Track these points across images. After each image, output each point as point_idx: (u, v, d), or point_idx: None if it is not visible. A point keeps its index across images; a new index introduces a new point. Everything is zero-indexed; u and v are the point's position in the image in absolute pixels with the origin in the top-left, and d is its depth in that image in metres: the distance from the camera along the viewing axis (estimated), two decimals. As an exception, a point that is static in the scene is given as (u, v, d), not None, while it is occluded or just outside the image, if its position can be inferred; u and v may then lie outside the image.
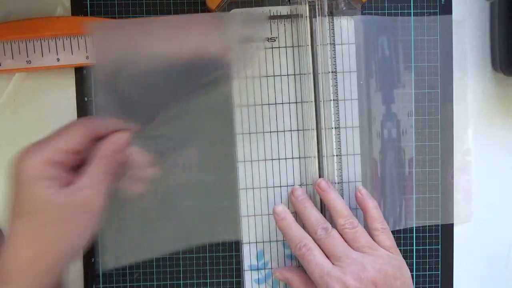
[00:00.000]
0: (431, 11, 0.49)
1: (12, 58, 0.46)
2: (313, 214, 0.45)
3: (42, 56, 0.46)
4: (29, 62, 0.46)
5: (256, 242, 0.49)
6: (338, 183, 0.48)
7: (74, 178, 0.39)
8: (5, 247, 0.38)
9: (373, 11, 0.49)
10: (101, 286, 0.48)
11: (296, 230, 0.45)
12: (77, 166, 0.40)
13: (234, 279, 0.49)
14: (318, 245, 0.44)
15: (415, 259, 0.50)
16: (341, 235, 0.44)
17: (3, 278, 0.38)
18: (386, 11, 0.49)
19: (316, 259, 0.43)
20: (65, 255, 0.39)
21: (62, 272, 0.41)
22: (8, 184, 0.38)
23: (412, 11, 0.49)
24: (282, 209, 0.46)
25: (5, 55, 0.46)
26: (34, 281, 0.38)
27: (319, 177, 0.48)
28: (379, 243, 0.44)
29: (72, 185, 0.39)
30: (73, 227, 0.39)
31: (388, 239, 0.44)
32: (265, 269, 0.49)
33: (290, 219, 0.45)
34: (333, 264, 0.42)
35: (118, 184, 0.43)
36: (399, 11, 0.49)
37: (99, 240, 0.47)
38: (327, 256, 0.43)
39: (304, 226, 0.45)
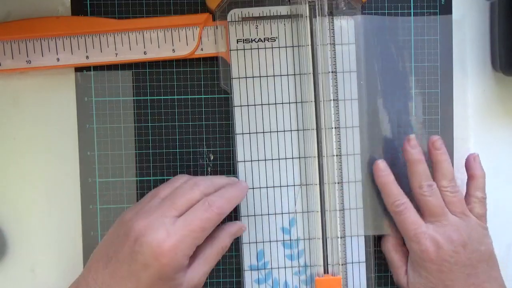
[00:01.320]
0: (431, 11, 0.49)
1: (12, 58, 0.46)
2: (421, 167, 0.46)
3: (42, 56, 0.46)
4: (29, 62, 0.46)
5: (256, 242, 0.49)
6: (338, 183, 0.48)
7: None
8: None
9: (373, 11, 0.49)
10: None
11: (396, 187, 0.47)
12: None
13: (234, 279, 0.49)
14: (419, 200, 0.46)
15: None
16: (441, 193, 0.46)
17: None
18: (386, 11, 0.49)
19: (412, 216, 0.45)
20: None
21: None
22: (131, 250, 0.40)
23: (412, 11, 0.49)
24: (385, 166, 0.47)
25: (5, 55, 0.46)
26: None
27: (319, 177, 0.48)
28: (472, 210, 0.46)
29: (190, 271, 0.42)
30: None
31: (482, 209, 0.47)
32: (265, 269, 0.49)
33: (392, 176, 0.47)
34: (429, 221, 0.45)
35: None
36: (399, 11, 0.49)
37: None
38: (423, 213, 0.46)
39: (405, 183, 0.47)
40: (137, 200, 0.48)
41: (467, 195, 0.47)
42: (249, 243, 0.49)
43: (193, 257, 0.42)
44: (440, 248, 0.44)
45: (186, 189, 0.43)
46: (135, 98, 0.48)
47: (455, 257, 0.44)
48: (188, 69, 0.49)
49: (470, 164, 0.48)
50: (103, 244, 0.42)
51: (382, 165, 0.47)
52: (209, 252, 0.44)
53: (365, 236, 0.49)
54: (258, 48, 0.48)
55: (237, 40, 0.47)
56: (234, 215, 0.48)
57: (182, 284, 0.41)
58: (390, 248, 0.48)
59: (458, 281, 0.44)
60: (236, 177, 0.48)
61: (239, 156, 0.48)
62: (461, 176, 0.49)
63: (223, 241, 0.45)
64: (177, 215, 0.41)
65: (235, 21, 0.47)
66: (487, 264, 0.45)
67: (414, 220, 0.45)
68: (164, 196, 0.43)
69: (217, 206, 0.42)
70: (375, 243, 0.50)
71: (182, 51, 0.47)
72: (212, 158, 0.49)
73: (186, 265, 0.41)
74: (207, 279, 0.49)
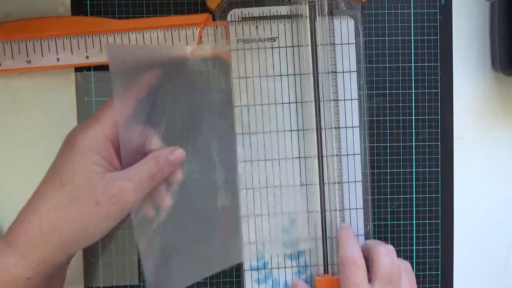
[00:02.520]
0: (431, 11, 0.49)
1: (12, 58, 0.46)
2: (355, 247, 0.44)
3: (42, 56, 0.46)
4: (29, 62, 0.46)
5: (256, 242, 0.49)
6: (338, 183, 0.48)
7: (118, 167, 0.40)
8: (26, 208, 0.38)
9: (373, 11, 0.49)
10: (101, 286, 0.48)
11: (355, 245, 0.44)
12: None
13: (234, 279, 0.49)
14: None
15: (415, 259, 0.50)
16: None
17: (11, 241, 0.38)
18: (386, 11, 0.49)
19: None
20: (80, 238, 0.39)
21: (69, 257, 0.40)
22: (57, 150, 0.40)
23: (412, 11, 0.49)
24: (359, 256, 0.43)
25: (5, 54, 0.46)
26: (43, 253, 0.38)
27: (319, 177, 0.47)
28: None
29: (116, 172, 0.39)
30: (100, 213, 0.38)
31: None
32: (265, 269, 0.49)
33: (352, 233, 0.46)
34: None
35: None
36: (399, 10, 0.49)
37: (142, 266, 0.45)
38: None
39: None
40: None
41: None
42: (249, 243, 0.49)
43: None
44: None
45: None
46: (135, 98, 0.48)
47: None
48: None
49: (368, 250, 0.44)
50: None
51: (354, 255, 0.44)
52: (140, 160, 0.41)
53: (365, 237, 0.49)
54: (258, 48, 0.48)
55: (237, 40, 0.47)
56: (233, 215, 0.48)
57: (104, 175, 0.39)
58: None
59: None
60: (237, 177, 0.48)
61: (239, 156, 0.48)
62: (462, 177, 0.49)
63: (156, 154, 0.42)
64: None
65: (235, 21, 0.47)
66: None
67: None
68: None
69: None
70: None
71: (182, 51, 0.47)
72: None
73: (102, 147, 0.39)
74: (207, 279, 0.49)
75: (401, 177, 0.50)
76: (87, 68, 0.48)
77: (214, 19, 0.48)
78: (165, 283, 0.45)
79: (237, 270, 0.49)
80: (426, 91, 0.50)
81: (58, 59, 0.46)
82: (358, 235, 0.49)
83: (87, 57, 0.47)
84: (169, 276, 0.45)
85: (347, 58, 0.48)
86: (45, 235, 0.37)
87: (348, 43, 0.48)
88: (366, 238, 0.49)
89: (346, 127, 0.48)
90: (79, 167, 0.38)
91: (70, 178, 0.38)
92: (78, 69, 0.48)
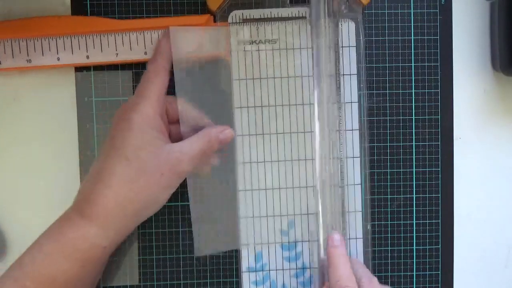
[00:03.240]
0: (431, 11, 0.49)
1: (12, 57, 0.46)
2: (347, 269, 0.43)
3: (43, 55, 0.46)
4: (29, 61, 0.46)
5: (255, 244, 0.49)
6: (340, 186, 0.48)
7: (168, 139, 0.44)
8: (97, 184, 0.41)
9: (373, 11, 0.49)
10: (101, 286, 0.48)
11: (347, 268, 0.43)
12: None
13: (234, 279, 0.49)
14: None
15: (415, 259, 0.50)
16: None
17: (89, 214, 0.41)
18: (386, 11, 0.49)
19: None
20: (149, 207, 0.43)
21: (137, 224, 0.44)
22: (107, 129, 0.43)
23: (412, 11, 0.49)
24: (340, 238, 0.45)
25: (5, 53, 0.46)
26: (119, 224, 0.42)
27: (319, 179, 0.47)
28: None
29: (173, 144, 0.43)
30: (163, 182, 0.42)
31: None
32: (263, 271, 0.49)
33: (345, 251, 0.45)
34: None
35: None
36: (399, 11, 0.49)
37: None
38: None
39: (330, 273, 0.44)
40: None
41: None
42: (247, 244, 0.48)
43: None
44: None
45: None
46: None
47: None
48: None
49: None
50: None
51: (336, 236, 0.45)
52: (193, 136, 0.45)
53: (363, 239, 0.49)
54: (258, 50, 0.48)
55: (238, 41, 0.48)
56: (233, 215, 0.48)
57: (164, 149, 0.42)
58: None
59: None
60: (236, 179, 0.48)
61: (239, 157, 0.48)
62: (462, 177, 0.49)
63: (207, 132, 0.45)
64: None
65: (236, 23, 0.47)
66: None
67: None
68: None
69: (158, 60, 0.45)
70: (374, 244, 0.50)
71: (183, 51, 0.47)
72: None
73: (159, 123, 0.43)
74: (206, 278, 0.49)
75: (401, 177, 0.50)
76: (87, 68, 0.48)
77: (215, 21, 0.48)
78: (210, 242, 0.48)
79: (237, 270, 0.49)
80: (426, 91, 0.50)
81: (58, 59, 0.46)
82: (356, 238, 0.49)
83: (87, 57, 0.47)
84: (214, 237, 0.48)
85: (348, 61, 0.48)
86: (121, 207, 0.41)
87: (349, 46, 0.48)
88: (365, 239, 0.49)
89: (345, 130, 0.48)
90: (142, 142, 0.41)
91: (136, 153, 0.41)
92: (78, 69, 0.48)
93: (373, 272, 0.49)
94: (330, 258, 0.44)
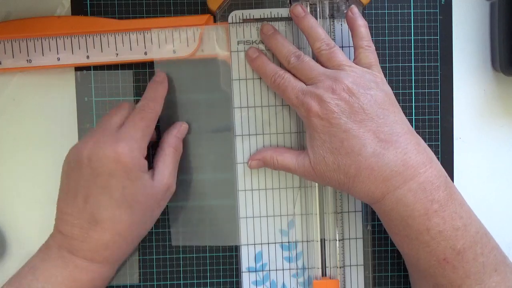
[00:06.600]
0: (431, 11, 0.50)
1: (13, 57, 0.46)
2: (285, 45, 0.45)
3: (43, 55, 0.46)
4: (29, 61, 0.46)
5: (255, 244, 0.49)
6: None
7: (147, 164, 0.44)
8: (108, 231, 0.42)
9: (373, 11, 0.49)
10: (100, 286, 0.48)
11: (270, 65, 0.46)
12: None
13: (234, 279, 0.49)
14: (293, 73, 0.45)
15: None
16: (318, 58, 0.44)
17: (99, 260, 0.43)
18: (386, 11, 0.49)
19: (291, 83, 0.44)
20: (144, 234, 0.47)
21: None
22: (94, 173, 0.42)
23: (412, 11, 0.49)
24: (254, 50, 0.47)
25: (5, 53, 0.46)
26: (122, 257, 0.45)
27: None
28: (360, 61, 0.44)
29: (155, 174, 0.45)
30: (159, 211, 0.46)
31: (368, 57, 0.44)
32: (263, 271, 0.49)
33: (263, 57, 0.46)
34: (309, 84, 0.43)
35: None
36: (399, 11, 0.49)
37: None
38: (303, 82, 0.44)
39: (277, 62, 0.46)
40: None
41: (354, 49, 0.45)
42: (247, 244, 0.48)
43: (154, 165, 0.46)
44: (323, 101, 0.41)
45: (118, 109, 0.45)
46: (135, 98, 0.48)
47: (340, 105, 0.41)
48: (188, 70, 0.49)
49: (349, 19, 0.45)
50: (62, 192, 0.44)
51: (249, 51, 0.47)
52: (163, 154, 0.46)
53: (363, 238, 0.49)
54: (258, 50, 0.48)
55: (238, 41, 0.47)
56: (232, 215, 0.48)
57: (153, 185, 0.44)
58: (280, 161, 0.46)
59: (352, 130, 0.41)
60: (236, 179, 0.48)
61: (239, 158, 0.48)
62: (462, 177, 0.49)
63: (170, 141, 0.46)
64: (118, 127, 0.44)
65: (236, 23, 0.47)
66: (382, 108, 0.41)
67: (293, 85, 0.43)
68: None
69: (149, 107, 0.45)
70: (374, 244, 0.50)
71: (183, 52, 0.47)
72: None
73: (146, 164, 0.43)
74: (206, 278, 0.49)
75: (401, 177, 0.50)
76: (87, 68, 0.48)
77: (215, 21, 0.48)
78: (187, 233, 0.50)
79: (237, 270, 0.49)
80: (426, 91, 0.50)
81: (58, 59, 0.46)
82: (356, 238, 0.49)
83: (87, 57, 0.47)
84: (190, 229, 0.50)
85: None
86: (124, 247, 0.44)
87: (349, 46, 0.48)
88: (365, 239, 0.49)
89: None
90: (139, 188, 0.43)
91: (136, 199, 0.43)
92: (78, 68, 0.48)
93: (373, 272, 0.49)
94: (257, 68, 0.47)
